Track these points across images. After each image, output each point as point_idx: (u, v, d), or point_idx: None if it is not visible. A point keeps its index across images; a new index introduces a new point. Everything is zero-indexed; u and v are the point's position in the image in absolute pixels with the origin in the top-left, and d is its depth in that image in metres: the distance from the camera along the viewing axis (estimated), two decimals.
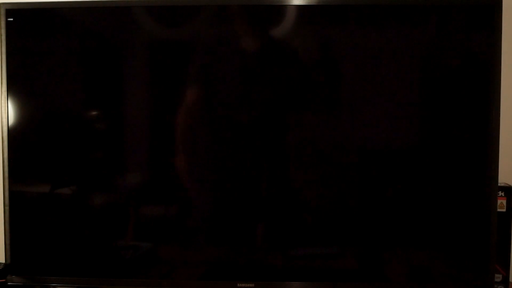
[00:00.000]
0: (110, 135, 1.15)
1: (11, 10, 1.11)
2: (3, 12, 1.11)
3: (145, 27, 1.11)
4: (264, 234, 1.14)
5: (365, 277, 1.13)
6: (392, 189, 1.11)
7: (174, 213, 1.16)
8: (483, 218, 1.08)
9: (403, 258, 1.12)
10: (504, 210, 1.16)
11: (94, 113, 1.16)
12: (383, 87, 1.09)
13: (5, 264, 1.14)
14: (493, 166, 1.07)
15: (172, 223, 1.16)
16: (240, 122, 1.12)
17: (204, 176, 1.15)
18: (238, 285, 1.11)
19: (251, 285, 1.10)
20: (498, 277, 1.18)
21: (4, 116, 1.13)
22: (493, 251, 1.08)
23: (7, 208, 1.14)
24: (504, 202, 1.16)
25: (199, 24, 1.10)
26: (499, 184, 1.10)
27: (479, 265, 1.09)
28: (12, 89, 1.13)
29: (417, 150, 1.11)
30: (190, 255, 1.15)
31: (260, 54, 1.11)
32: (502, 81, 1.06)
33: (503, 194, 1.16)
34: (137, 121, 1.16)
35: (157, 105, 1.14)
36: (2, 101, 1.13)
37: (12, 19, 1.11)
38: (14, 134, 1.13)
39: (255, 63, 1.11)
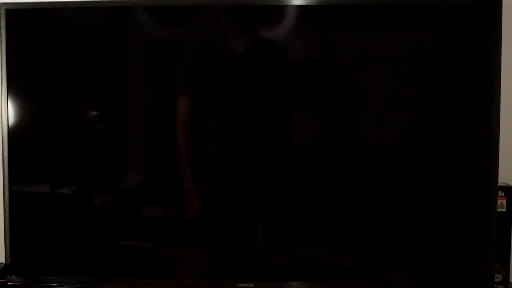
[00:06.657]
0: (110, 135, 1.15)
1: (11, 10, 1.11)
2: (3, 12, 1.11)
3: (145, 27, 1.11)
4: (264, 234, 1.14)
5: (365, 277, 1.13)
6: (392, 189, 1.11)
7: (174, 213, 1.16)
8: (483, 218, 1.08)
9: (403, 258, 1.12)
10: (504, 210, 1.16)
11: (94, 113, 1.16)
12: (383, 87, 1.09)
13: (5, 264, 1.14)
14: (493, 166, 1.07)
15: (172, 223, 1.16)
16: (241, 122, 1.12)
17: (204, 176, 1.15)
18: (238, 285, 1.11)
19: (251, 285, 1.10)
20: (498, 277, 1.18)
21: (4, 116, 1.13)
22: (493, 251, 1.08)
23: (7, 208, 1.14)
24: (504, 202, 1.16)
25: (199, 24, 1.10)
26: (499, 184, 1.10)
27: (479, 265, 1.09)
28: (12, 89, 1.13)
29: (417, 150, 1.10)
30: (190, 255, 1.15)
31: (260, 54, 1.11)
32: (502, 81, 1.06)
33: (503, 194, 1.16)
34: (137, 121, 1.15)
35: (157, 105, 1.14)
36: (2, 101, 1.13)
37: (12, 19, 1.11)
38: (14, 134, 1.13)
39: (254, 64, 1.11)
